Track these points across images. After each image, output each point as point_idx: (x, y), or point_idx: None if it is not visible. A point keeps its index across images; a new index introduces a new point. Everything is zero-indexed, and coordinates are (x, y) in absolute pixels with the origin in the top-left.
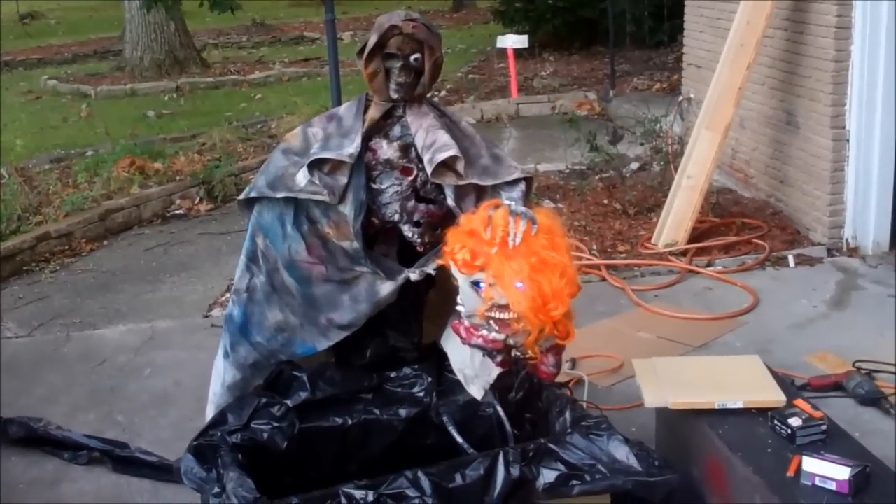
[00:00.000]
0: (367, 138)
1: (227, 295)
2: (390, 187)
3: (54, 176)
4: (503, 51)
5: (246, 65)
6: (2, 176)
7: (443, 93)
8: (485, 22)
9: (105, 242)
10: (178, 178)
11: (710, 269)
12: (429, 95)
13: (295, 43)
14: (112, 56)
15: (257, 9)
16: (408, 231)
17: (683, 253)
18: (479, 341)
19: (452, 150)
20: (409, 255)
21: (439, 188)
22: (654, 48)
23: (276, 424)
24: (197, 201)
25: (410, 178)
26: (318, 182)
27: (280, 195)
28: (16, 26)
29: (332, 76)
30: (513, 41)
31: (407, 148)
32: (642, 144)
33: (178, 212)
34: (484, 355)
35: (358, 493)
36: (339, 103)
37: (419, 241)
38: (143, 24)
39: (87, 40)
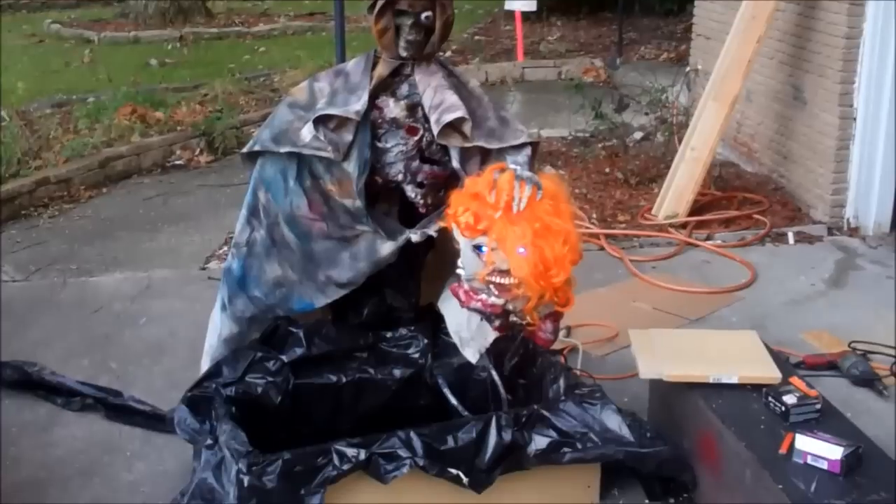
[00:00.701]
0: (373, 96)
1: (225, 248)
2: (395, 146)
3: (55, 121)
4: (510, 13)
5: (250, 17)
6: (2, 119)
7: (448, 53)
8: None
9: (104, 190)
10: (178, 128)
11: (710, 242)
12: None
13: None
14: (116, 2)
15: None
16: (411, 191)
17: (683, 225)
18: (479, 305)
19: (460, 112)
20: (410, 215)
21: (444, 149)
22: (662, 17)
23: (270, 379)
24: (197, 152)
25: (416, 138)
26: (322, 138)
27: (284, 150)
28: None
29: (338, 32)
30: (521, 4)
31: (414, 107)
32: (647, 114)
33: (177, 162)
34: (481, 319)
35: (350, 451)
36: (343, 59)
37: (422, 201)
38: None
39: None
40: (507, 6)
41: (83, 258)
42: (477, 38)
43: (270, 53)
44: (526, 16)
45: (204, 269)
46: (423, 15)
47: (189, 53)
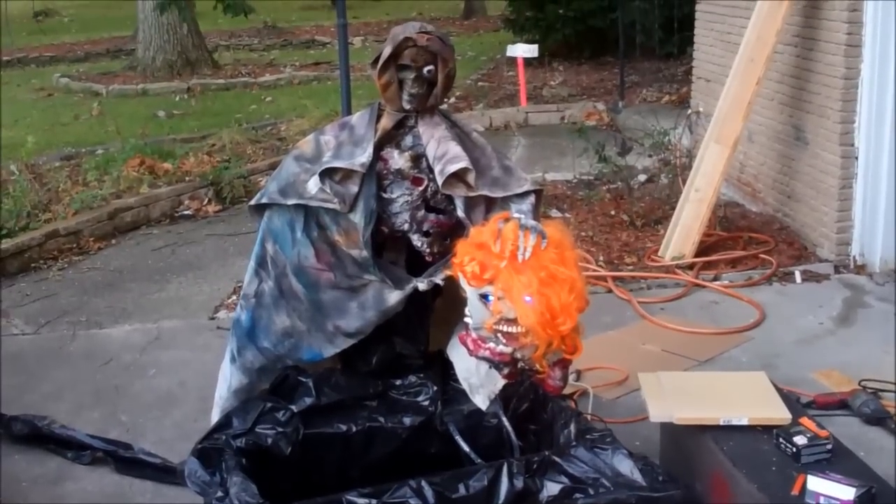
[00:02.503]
0: (378, 148)
1: (234, 297)
2: (401, 197)
3: (64, 173)
4: (513, 59)
5: (257, 67)
6: (11, 172)
7: (452, 100)
8: (495, 30)
9: (113, 241)
10: (187, 178)
11: (717, 283)
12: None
13: (306, 46)
14: (124, 55)
15: (269, 11)
16: (417, 240)
17: (690, 266)
18: (487, 354)
19: (463, 162)
20: (417, 264)
21: (449, 198)
22: (663, 59)
23: (280, 429)
24: (205, 202)
25: (421, 189)
26: (329, 190)
27: (291, 202)
28: (30, 23)
29: (343, 80)
30: (523, 50)
31: (418, 158)
32: (651, 156)
33: (186, 212)
34: (490, 367)
35: (361, 501)
36: (348, 107)
37: (428, 250)
38: (156, 24)
39: (99, 39)
40: (510, 52)
41: (93, 310)
42: (480, 83)
43: (277, 103)
44: (528, 61)
45: (213, 318)
46: (426, 69)
47: (196, 104)
